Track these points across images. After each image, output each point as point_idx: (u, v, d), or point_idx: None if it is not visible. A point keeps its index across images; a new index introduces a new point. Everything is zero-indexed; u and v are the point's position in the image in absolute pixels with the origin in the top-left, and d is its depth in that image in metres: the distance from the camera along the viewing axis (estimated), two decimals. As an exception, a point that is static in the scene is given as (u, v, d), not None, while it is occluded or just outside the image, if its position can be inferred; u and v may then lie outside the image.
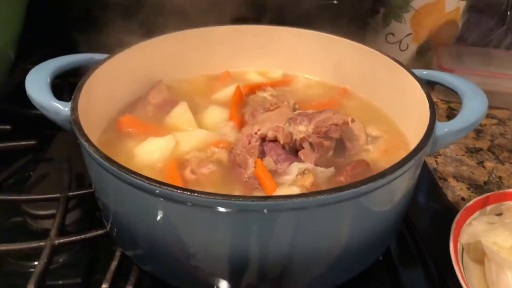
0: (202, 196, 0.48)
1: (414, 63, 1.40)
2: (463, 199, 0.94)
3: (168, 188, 0.49)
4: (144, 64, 0.87)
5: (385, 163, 0.73)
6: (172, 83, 0.93)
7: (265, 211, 0.48)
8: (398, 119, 0.84)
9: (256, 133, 0.71)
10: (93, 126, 0.76)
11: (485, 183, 0.99)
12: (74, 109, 0.63)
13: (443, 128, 0.64)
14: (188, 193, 0.48)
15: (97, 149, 0.54)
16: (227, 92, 0.90)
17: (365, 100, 0.91)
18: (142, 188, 0.51)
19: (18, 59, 1.10)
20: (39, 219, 0.83)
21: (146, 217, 0.54)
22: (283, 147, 0.70)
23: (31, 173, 0.95)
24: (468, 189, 0.97)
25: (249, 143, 0.69)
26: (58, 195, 0.80)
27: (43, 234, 0.75)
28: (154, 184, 0.49)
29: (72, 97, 0.66)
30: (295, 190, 0.62)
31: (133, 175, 0.51)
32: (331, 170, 0.69)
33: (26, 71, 0.71)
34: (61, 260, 0.76)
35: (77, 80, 0.72)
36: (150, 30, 0.89)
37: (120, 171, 0.51)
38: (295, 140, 0.70)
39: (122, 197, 0.56)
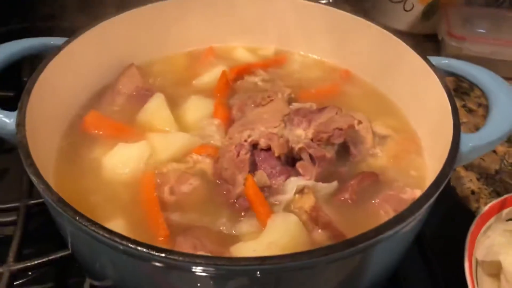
0: (182, 258, 0.38)
1: (419, 25, 1.26)
2: (473, 192, 0.86)
3: (134, 247, 0.39)
4: (111, 45, 0.73)
5: (395, 173, 0.63)
6: (145, 65, 0.79)
7: (258, 274, 0.39)
8: (409, 112, 0.73)
9: (246, 141, 0.59)
10: (52, 128, 0.64)
11: (496, 172, 0.91)
12: (20, 125, 0.51)
13: (467, 142, 0.53)
14: (163, 254, 0.38)
15: (49, 189, 0.43)
16: (211, 77, 0.77)
17: (371, 86, 0.79)
18: (103, 242, 0.40)
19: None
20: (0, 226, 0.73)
21: (112, 270, 0.45)
22: (278, 157, 0.59)
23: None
24: (478, 180, 0.89)
25: (238, 155, 0.58)
26: (17, 204, 0.70)
27: (5, 242, 0.65)
28: (117, 240, 0.39)
29: (18, 105, 0.53)
30: (292, 219, 0.52)
31: (92, 227, 0.40)
32: (334, 185, 0.59)
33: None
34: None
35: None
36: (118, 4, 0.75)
37: (77, 222, 0.40)
38: (292, 147, 0.60)
39: (82, 243, 0.46)
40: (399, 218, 0.43)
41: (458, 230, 0.67)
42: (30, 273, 0.67)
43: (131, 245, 0.39)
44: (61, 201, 0.42)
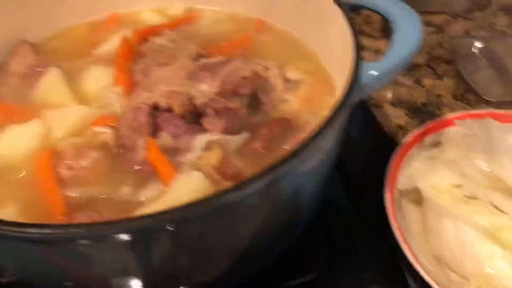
0: (53, 231, 0.35)
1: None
2: (400, 127, 0.86)
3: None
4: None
5: (309, 115, 0.61)
6: (40, 41, 0.73)
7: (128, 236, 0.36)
8: (322, 54, 0.70)
9: (144, 103, 0.56)
10: None
11: (424, 104, 0.91)
12: None
13: (367, 71, 0.52)
14: (32, 230, 0.35)
15: None
16: (112, 44, 0.72)
17: (285, 33, 0.76)
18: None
19: None
20: None
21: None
22: (183, 116, 0.56)
23: None
24: (406, 115, 0.89)
25: (137, 119, 0.54)
26: None
27: None
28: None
29: None
30: (195, 175, 0.50)
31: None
32: (244, 136, 0.56)
33: None
34: None
35: None
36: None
37: None
38: (195, 104, 0.56)
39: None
40: (292, 155, 0.41)
41: (385, 164, 0.67)
42: None
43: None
44: None
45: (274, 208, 0.45)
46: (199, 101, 0.55)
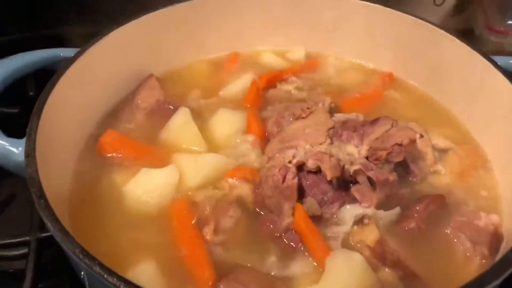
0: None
1: (451, 20, 1.17)
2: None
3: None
4: (128, 54, 0.65)
5: (463, 193, 0.54)
6: (165, 76, 0.71)
7: None
8: (467, 120, 0.64)
9: (290, 162, 0.51)
10: (65, 151, 0.56)
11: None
12: (30, 156, 0.42)
13: None
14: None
15: (68, 238, 0.35)
16: (239, 86, 0.69)
17: (419, 91, 0.70)
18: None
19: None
20: (10, 260, 0.65)
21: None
22: (330, 180, 0.50)
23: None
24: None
25: (284, 180, 0.49)
26: (27, 238, 0.61)
27: (15, 277, 0.60)
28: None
29: (27, 131, 0.45)
30: (357, 258, 0.44)
31: (117, 282, 0.32)
32: (396, 211, 0.50)
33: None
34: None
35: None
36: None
37: (101, 277, 0.32)
38: (345, 169, 0.51)
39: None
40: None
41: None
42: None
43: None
44: (84, 254, 0.34)
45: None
46: (352, 168, 0.50)
